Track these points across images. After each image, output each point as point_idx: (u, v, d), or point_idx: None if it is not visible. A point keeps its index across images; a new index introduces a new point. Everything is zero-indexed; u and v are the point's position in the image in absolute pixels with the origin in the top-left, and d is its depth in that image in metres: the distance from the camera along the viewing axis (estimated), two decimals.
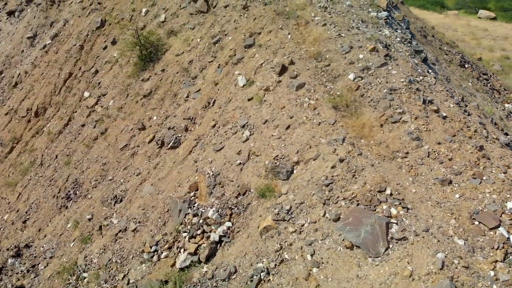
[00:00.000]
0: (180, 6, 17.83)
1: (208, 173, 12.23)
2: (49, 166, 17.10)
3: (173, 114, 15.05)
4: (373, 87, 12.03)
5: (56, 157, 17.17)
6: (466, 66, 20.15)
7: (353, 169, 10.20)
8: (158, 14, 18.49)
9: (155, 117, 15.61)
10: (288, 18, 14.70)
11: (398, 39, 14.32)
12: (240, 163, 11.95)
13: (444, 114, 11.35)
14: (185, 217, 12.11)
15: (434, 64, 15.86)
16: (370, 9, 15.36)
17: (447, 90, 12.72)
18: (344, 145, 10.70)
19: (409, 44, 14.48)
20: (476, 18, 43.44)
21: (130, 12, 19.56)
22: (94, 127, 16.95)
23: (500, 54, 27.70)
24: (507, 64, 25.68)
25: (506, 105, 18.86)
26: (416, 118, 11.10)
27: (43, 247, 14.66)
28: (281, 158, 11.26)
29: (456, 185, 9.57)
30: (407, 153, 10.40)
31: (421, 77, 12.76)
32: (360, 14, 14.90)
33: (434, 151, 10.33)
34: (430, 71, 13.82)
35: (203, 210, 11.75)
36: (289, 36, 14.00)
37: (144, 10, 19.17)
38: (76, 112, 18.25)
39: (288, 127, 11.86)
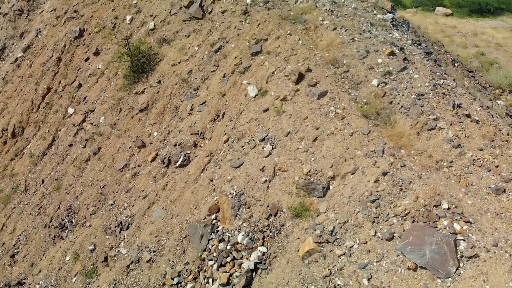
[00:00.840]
0: (170, 12, 16.48)
1: (230, 193, 11.07)
2: (35, 192, 15.24)
3: (176, 129, 13.73)
4: (399, 93, 11.33)
5: (43, 181, 15.34)
6: (456, 64, 20.07)
7: (399, 183, 9.42)
8: (145, 22, 17.04)
9: (155, 133, 14.20)
10: (295, 23, 13.78)
11: (409, 41, 13.77)
12: (265, 180, 10.88)
13: (477, 118, 10.83)
14: (208, 243, 10.89)
15: (439, 65, 15.47)
16: (375, 11, 14.74)
17: (469, 93, 12.26)
18: (385, 156, 9.90)
19: (419, 46, 13.97)
20: (437, 15, 44.47)
21: (113, 20, 17.95)
22: (85, 146, 15.28)
23: (475, 51, 28.10)
24: (484, 61, 26.03)
25: (498, 101, 18.88)
26: (451, 124, 10.49)
27: (39, 284, 12.89)
28: (314, 173, 10.31)
29: (511, 193, 9.01)
30: (451, 162, 9.75)
31: (441, 80, 12.22)
32: (366, 17, 14.23)
33: (478, 158, 9.74)
34: (445, 73, 13.36)
35: (230, 235, 10.58)
36: (300, 41, 13.08)
37: (128, 17, 17.63)
38: (60, 130, 16.45)
39: (315, 139, 10.93)
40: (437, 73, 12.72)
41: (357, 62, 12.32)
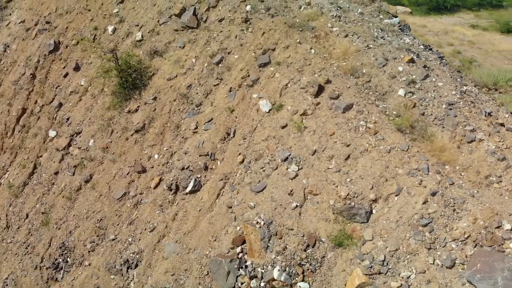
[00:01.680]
0: (158, 21, 14.99)
1: (257, 222, 9.87)
2: (19, 228, 13.32)
3: (181, 150, 12.33)
4: (429, 103, 10.56)
5: (27, 216, 13.45)
6: (447, 65, 19.81)
7: (451, 203, 8.59)
8: (130, 32, 15.44)
9: (156, 156, 12.73)
10: (303, 31, 12.74)
11: (422, 46, 13.11)
12: (296, 206, 9.77)
13: (511, 127, 10.24)
14: (236, 281, 9.64)
15: (459, 71, 14.93)
16: (381, 16, 13.98)
17: (492, 99, 11.71)
18: (430, 174, 9.05)
19: (431, 51, 13.34)
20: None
21: (92, 31, 16.20)
22: (73, 174, 13.52)
23: (451, 50, 28.31)
24: (463, 59, 26.20)
25: None
26: (489, 135, 9.82)
27: None
28: (353, 196, 9.31)
29: None
30: (500, 176, 9.04)
31: (464, 87, 11.61)
32: (374, 22, 13.44)
33: None
34: (463, 79, 12.79)
35: (263, 270, 9.38)
36: (312, 50, 12.06)
37: (110, 28, 15.96)
38: (42, 156, 14.56)
39: (347, 158, 9.93)
40: (457, 79, 12.11)
41: (378, 71, 11.47)
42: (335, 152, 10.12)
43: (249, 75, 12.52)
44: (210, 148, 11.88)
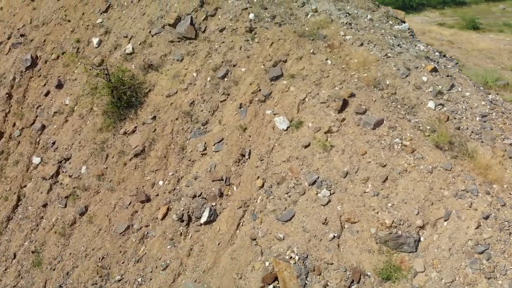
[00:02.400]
0: (150, 32, 13.65)
1: (291, 257, 8.83)
2: (6, 270, 11.66)
3: (189, 175, 11.10)
4: (462, 116, 9.85)
5: (15, 256, 11.80)
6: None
7: (506, 226, 7.87)
8: (119, 44, 13.99)
9: (160, 182, 11.43)
10: (314, 40, 11.81)
11: (437, 53, 12.46)
12: (334, 237, 8.80)
13: None
14: None
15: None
16: (390, 22, 13.24)
17: None
18: (480, 195, 8.31)
19: (445, 57, 12.72)
20: None
21: (74, 43, 14.62)
22: (65, 206, 11.99)
23: None
24: None
25: None
26: None
27: None
28: (398, 223, 8.44)
29: None
30: None
31: (489, 96, 11.02)
32: (385, 28, 12.69)
33: None
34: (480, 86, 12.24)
35: None
36: (329, 61, 11.14)
37: (95, 40, 14.44)
38: (26, 186, 12.91)
39: (385, 179, 9.05)
40: (480, 87, 11.52)
41: (401, 82, 10.68)
42: (370, 174, 9.23)
43: (260, 90, 11.45)
44: (224, 171, 10.73)
